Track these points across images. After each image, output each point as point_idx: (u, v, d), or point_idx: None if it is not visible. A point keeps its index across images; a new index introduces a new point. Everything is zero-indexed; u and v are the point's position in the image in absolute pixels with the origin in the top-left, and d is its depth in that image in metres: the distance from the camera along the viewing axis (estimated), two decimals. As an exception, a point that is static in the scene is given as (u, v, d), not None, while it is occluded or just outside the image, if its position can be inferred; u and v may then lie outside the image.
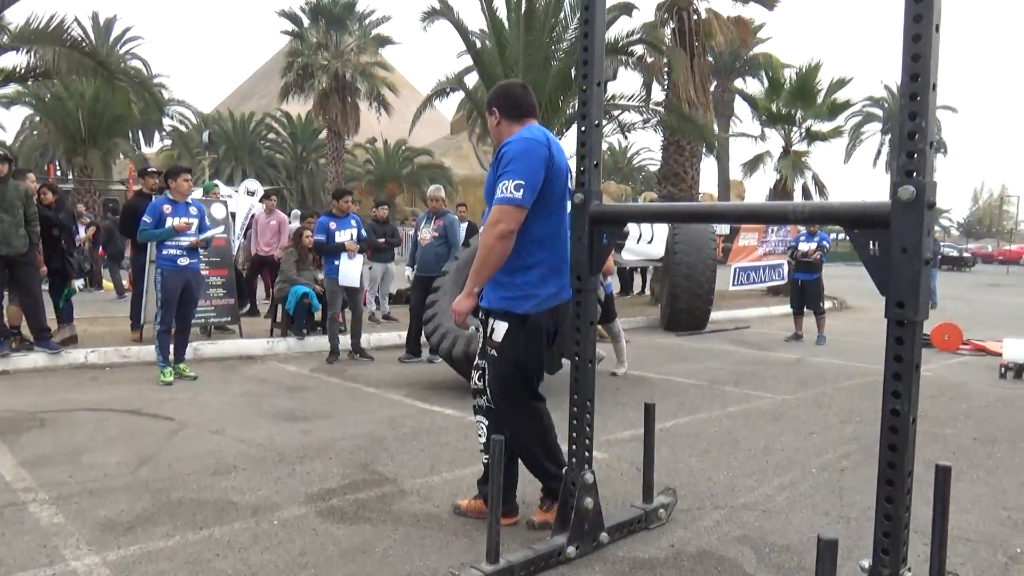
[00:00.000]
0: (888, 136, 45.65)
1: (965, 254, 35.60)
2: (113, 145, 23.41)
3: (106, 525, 3.20)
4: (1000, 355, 8.36)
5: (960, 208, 68.18)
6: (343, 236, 7.35)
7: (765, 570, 2.92)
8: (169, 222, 6.17)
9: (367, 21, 29.33)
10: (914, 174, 2.06)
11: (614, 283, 16.33)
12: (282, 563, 2.87)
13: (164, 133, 32.74)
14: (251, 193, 18.15)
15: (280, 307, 8.24)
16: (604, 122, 14.56)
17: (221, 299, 7.90)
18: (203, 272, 7.80)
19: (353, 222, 7.52)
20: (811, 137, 16.85)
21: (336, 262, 7.35)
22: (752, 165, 17.65)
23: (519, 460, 3.28)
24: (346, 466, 4.08)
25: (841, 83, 17.10)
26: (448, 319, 5.53)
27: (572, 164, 3.05)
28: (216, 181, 9.36)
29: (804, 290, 10.02)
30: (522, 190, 2.89)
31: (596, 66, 2.89)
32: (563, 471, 3.06)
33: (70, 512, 3.33)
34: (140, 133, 35.80)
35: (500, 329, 3.08)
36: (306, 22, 28.74)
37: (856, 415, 5.62)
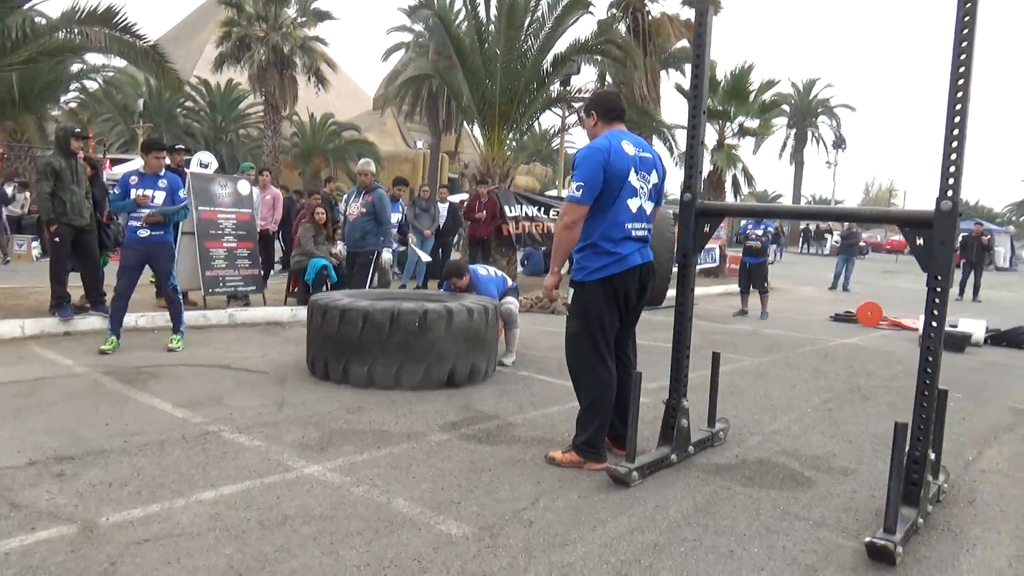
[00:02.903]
0: (794, 130, 48.75)
1: (860, 243, 38.72)
2: (46, 110, 22.66)
3: (301, 446, 4.01)
4: (914, 329, 9.99)
5: (853, 199, 73.18)
6: (393, 219, 8.22)
7: (808, 469, 4.05)
8: (133, 194, 6.21)
9: (305, -5, 29.14)
10: (950, 192, 3.16)
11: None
12: (465, 468, 3.78)
13: (73, 98, 31.42)
14: (204, 166, 18.21)
15: (298, 278, 8.88)
16: (566, 113, 15.63)
17: (247, 269, 8.47)
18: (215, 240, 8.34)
19: (401, 206, 8.35)
20: (743, 132, 18.44)
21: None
22: (689, 156, 19.09)
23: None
24: (452, 406, 4.97)
25: (770, 84, 18.76)
26: (343, 296, 5.99)
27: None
28: (247, 164, 9.78)
29: (751, 272, 11.41)
30: (582, 190, 3.75)
31: (702, 99, 3.89)
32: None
33: (263, 438, 4.11)
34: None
35: (569, 295, 4.03)
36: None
37: (821, 373, 6.91)
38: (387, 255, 7.64)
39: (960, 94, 3.16)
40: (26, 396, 4.72)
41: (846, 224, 18.72)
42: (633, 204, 3.82)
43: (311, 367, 5.73)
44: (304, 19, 28.69)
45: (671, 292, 7.96)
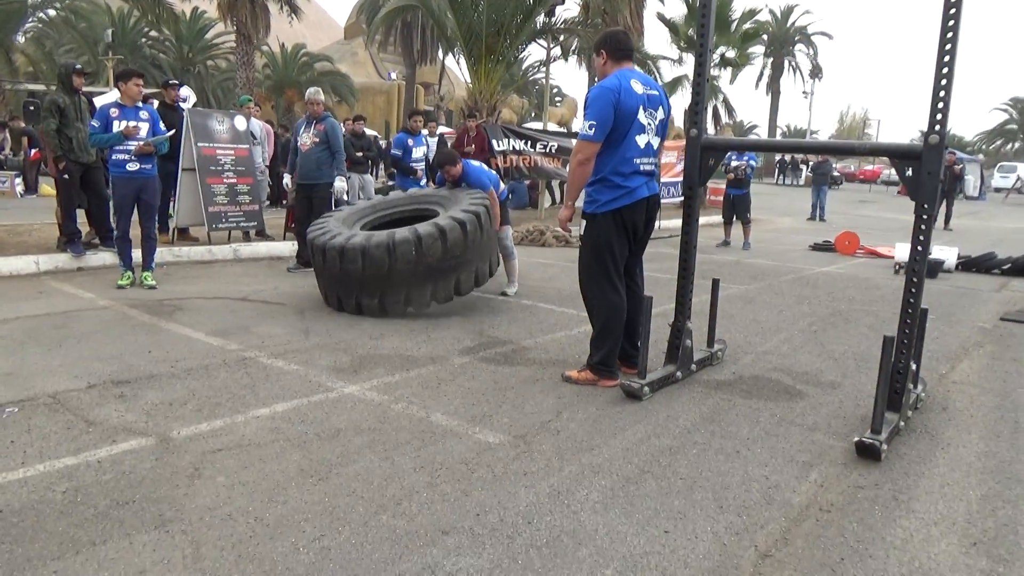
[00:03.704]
0: (771, 59, 48.48)
1: (835, 173, 39.22)
2: (12, 41, 21.97)
3: (335, 369, 4.31)
4: (889, 257, 10.46)
5: (827, 128, 73.42)
6: (418, 152, 8.26)
7: (799, 383, 4.45)
8: (116, 126, 6.10)
9: (274, -83, 28.06)
10: (937, 127, 3.46)
11: (551, 196, 17.77)
12: (489, 387, 4.12)
13: (31, 27, 30.31)
14: (183, 100, 17.96)
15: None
16: (550, 45, 15.57)
17: (248, 205, 8.60)
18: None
19: (424, 139, 8.43)
20: (724, 63, 18.52)
21: (412, 178, 8.30)
22: (672, 86, 19.20)
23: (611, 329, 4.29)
24: (467, 333, 5.30)
25: (752, 13, 18.81)
26: (336, 227, 6.01)
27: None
28: (246, 96, 9.82)
29: (735, 203, 11.75)
30: (594, 128, 4.01)
31: (708, 38, 4.11)
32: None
33: (298, 362, 4.41)
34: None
35: (582, 226, 4.31)
36: (209, -86, 27.18)
37: (805, 299, 7.32)
38: (340, 183, 7.39)
39: (950, 34, 3.43)
40: (62, 328, 4.95)
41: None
42: (641, 140, 4.07)
43: (325, 300, 5.99)
44: (274, -57, 27.64)
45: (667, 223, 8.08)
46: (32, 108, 17.12)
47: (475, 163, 6.76)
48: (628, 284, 4.35)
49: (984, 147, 57.31)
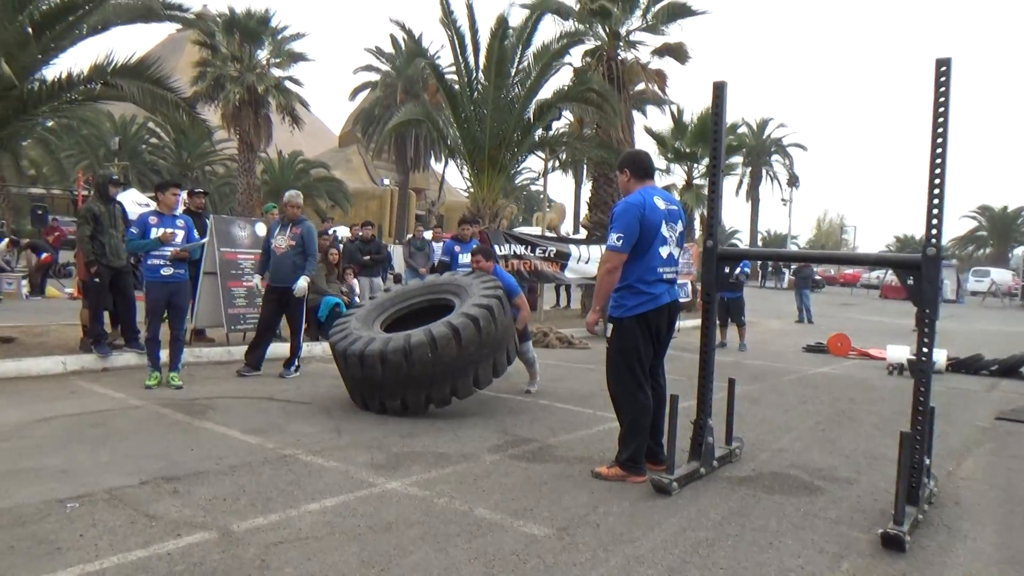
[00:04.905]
0: (749, 168, 50.56)
1: (816, 277, 40.25)
2: (19, 148, 22.68)
3: (373, 466, 4.48)
4: (881, 359, 10.80)
5: (806, 233, 75.56)
6: (465, 258, 8.40)
7: (816, 479, 4.65)
8: (154, 233, 6.50)
9: (279, 37, 29.73)
10: (933, 240, 3.84)
11: (551, 298, 18.22)
12: (524, 482, 4.29)
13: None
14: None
15: (311, 315, 9.29)
16: (549, 157, 16.39)
17: (264, 307, 8.85)
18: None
19: (474, 247, 8.67)
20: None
21: None
22: (660, 196, 20.01)
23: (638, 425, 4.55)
24: (492, 432, 5.49)
25: (733, 127, 19.90)
26: (356, 328, 6.25)
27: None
28: (271, 204, 10.30)
29: (729, 306, 12.17)
30: (622, 240, 4.41)
31: (720, 161, 4.55)
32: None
33: (337, 459, 4.57)
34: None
35: (609, 329, 4.62)
36: (218, 35, 28.75)
37: (807, 400, 7.58)
38: (302, 283, 7.35)
39: (939, 160, 3.86)
40: (100, 426, 5.09)
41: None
42: (664, 251, 4.45)
43: (352, 398, 6.18)
44: (279, 59, 29.19)
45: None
46: (39, 212, 17.55)
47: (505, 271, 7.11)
48: (652, 384, 4.61)
49: (957, 252, 59.11)
